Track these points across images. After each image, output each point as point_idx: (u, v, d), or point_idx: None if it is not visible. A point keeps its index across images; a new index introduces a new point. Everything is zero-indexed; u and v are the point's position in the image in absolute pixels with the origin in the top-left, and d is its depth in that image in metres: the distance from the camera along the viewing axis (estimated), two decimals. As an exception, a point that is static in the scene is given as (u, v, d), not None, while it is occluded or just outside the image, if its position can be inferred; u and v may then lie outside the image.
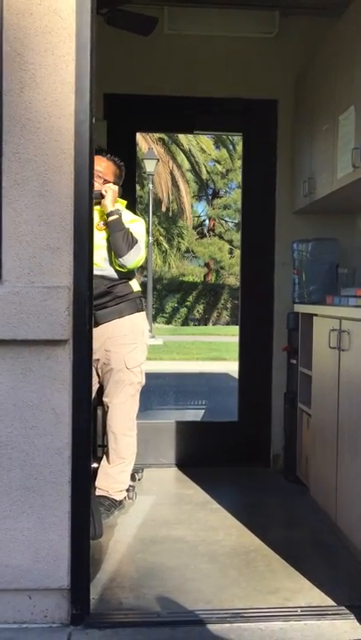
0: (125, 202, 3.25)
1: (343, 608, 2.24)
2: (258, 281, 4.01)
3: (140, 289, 3.22)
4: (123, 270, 3.04)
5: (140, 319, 3.13)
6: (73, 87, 2.06)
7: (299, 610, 2.23)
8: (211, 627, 2.12)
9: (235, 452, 3.97)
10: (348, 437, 2.67)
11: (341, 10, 3.14)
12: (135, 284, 3.17)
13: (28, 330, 2.03)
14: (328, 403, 2.93)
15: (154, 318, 19.77)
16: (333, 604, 2.28)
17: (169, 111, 4.02)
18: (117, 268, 3.03)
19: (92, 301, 2.16)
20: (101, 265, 2.98)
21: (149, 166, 16.12)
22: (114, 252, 3.00)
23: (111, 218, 3.01)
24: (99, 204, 2.98)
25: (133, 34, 3.44)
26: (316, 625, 2.15)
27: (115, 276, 3.05)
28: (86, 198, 2.10)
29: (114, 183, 3.13)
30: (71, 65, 2.06)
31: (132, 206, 3.35)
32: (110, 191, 3.06)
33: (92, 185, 2.13)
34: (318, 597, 2.33)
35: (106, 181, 3.08)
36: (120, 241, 2.98)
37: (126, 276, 3.10)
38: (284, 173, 3.92)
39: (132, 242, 2.99)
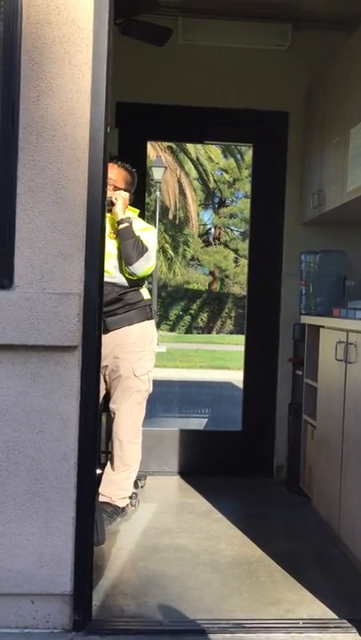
0: (138, 210, 3.27)
1: (345, 621, 2.23)
2: (265, 291, 4.02)
3: (150, 297, 3.23)
4: (133, 278, 3.06)
5: (149, 327, 3.14)
6: (89, 96, 2.08)
7: (301, 622, 2.22)
8: (212, 636, 2.12)
9: (238, 461, 3.97)
10: (353, 450, 2.67)
11: (354, 24, 3.17)
12: (145, 292, 3.18)
13: (38, 335, 2.05)
14: (333, 415, 2.94)
15: (158, 325, 19.75)
16: (335, 616, 2.27)
17: (180, 121, 4.04)
18: (127, 276, 3.05)
19: (101, 308, 2.17)
20: (112, 273, 2.99)
21: (157, 174, 16.19)
22: (124, 259, 3.02)
23: (122, 226, 3.03)
24: (110, 211, 3.00)
25: (148, 44, 3.47)
26: (318, 638, 2.14)
27: (125, 283, 3.07)
28: (99, 206, 2.12)
29: (125, 190, 3.14)
30: (88, 74, 2.08)
31: (140, 214, 3.37)
32: (121, 198, 3.08)
33: (105, 193, 2.15)
34: (320, 610, 2.32)
35: (117, 188, 3.09)
36: (130, 249, 2.99)
37: (137, 283, 3.11)
38: (294, 185, 3.94)
39: (142, 250, 3.00)
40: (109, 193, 2.97)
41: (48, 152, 2.07)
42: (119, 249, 3.04)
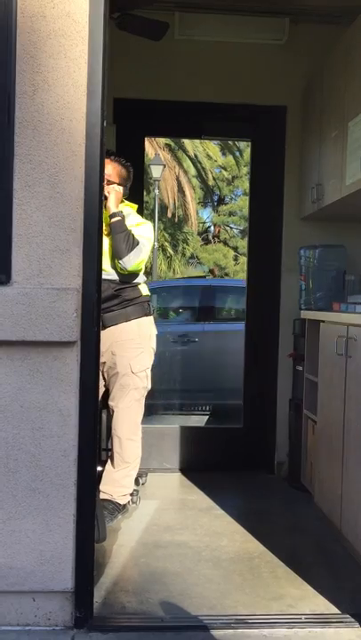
0: (136, 206, 3.25)
1: (348, 616, 2.23)
2: (264, 287, 4.01)
3: (149, 293, 3.22)
4: (124, 273, 3.03)
5: (147, 323, 3.12)
6: (85, 90, 2.07)
7: (303, 617, 2.22)
8: (214, 632, 2.11)
9: (239, 457, 3.96)
10: (353, 444, 2.66)
11: (351, 18, 3.15)
12: (144, 289, 3.16)
13: (36, 331, 2.04)
14: (334, 409, 2.93)
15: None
16: (338, 611, 2.27)
17: (178, 116, 4.03)
18: (119, 270, 3.02)
19: (100, 304, 2.16)
20: (108, 270, 2.98)
21: (156, 172, 16.16)
22: (115, 253, 2.99)
23: (113, 219, 3.01)
24: (104, 206, 2.98)
25: (144, 38, 3.46)
26: (321, 632, 2.13)
27: (123, 279, 3.05)
28: (96, 201, 2.10)
29: (119, 184, 3.12)
30: (83, 68, 2.06)
31: (138, 211, 3.35)
32: (114, 192, 3.06)
33: (102, 188, 2.14)
34: (323, 605, 2.31)
35: (110, 182, 3.05)
36: (120, 242, 2.97)
37: (134, 279, 3.09)
38: (292, 180, 3.92)
39: (132, 244, 2.98)
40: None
41: (44, 146, 2.06)
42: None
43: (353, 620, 2.20)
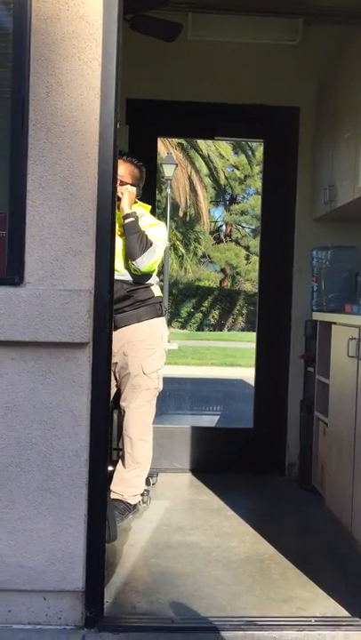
0: (150, 207, 3.26)
1: (358, 619, 2.22)
2: (276, 288, 4.00)
3: (161, 294, 3.22)
4: (137, 274, 3.04)
5: (159, 324, 3.13)
6: (98, 92, 2.08)
7: (313, 620, 2.21)
8: (224, 634, 2.11)
9: (249, 459, 3.96)
10: (365, 447, 2.65)
11: (366, 18, 3.14)
12: (157, 289, 3.17)
13: (48, 332, 2.05)
14: (346, 412, 2.92)
15: (169, 323, 19.77)
16: (348, 614, 2.26)
17: (190, 117, 4.03)
18: (133, 271, 3.03)
19: (112, 305, 2.17)
20: (121, 270, 2.99)
21: (168, 171, 16.16)
22: (128, 254, 3.00)
23: (127, 220, 3.02)
24: (117, 207, 2.99)
25: (157, 39, 3.46)
26: (331, 636, 2.13)
27: (136, 280, 3.05)
28: (109, 202, 2.11)
29: (132, 185, 3.12)
30: (97, 70, 2.07)
31: (151, 211, 3.36)
32: (127, 193, 3.06)
33: (115, 189, 2.14)
34: (333, 608, 2.31)
35: (123, 183, 3.06)
36: (134, 243, 2.97)
37: (147, 280, 3.10)
38: (305, 180, 3.91)
39: (146, 245, 2.98)
40: None
41: (58, 148, 2.07)
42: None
43: (363, 623, 2.19)
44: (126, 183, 3.10)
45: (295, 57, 3.85)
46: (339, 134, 3.43)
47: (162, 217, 16.93)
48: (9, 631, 2.08)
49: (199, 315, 23.12)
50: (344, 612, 2.28)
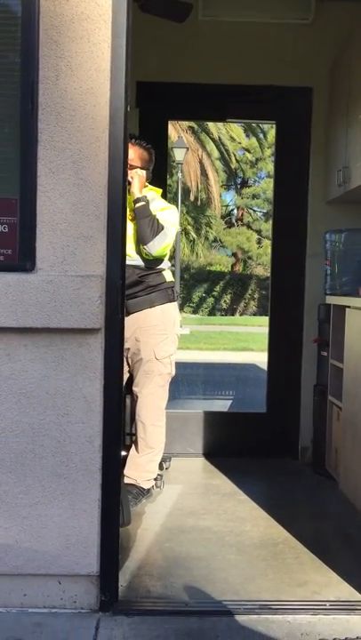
0: (161, 190, 3.23)
1: (373, 603, 2.22)
2: (289, 271, 3.97)
3: (173, 279, 3.20)
4: (149, 258, 3.02)
5: (171, 309, 3.12)
6: (108, 75, 2.05)
7: (328, 604, 2.21)
8: (238, 617, 2.12)
9: (263, 443, 3.96)
10: (379, 431, 2.63)
11: (381, -5, 3.07)
12: (169, 275, 3.15)
13: (61, 318, 2.04)
14: (360, 396, 2.90)
15: (181, 307, 19.77)
16: (363, 598, 2.26)
17: (201, 99, 3.98)
18: (144, 256, 3.01)
19: (124, 290, 2.16)
20: (133, 255, 2.97)
21: (179, 155, 16.06)
22: (139, 238, 2.98)
23: (138, 204, 2.99)
24: (128, 191, 2.96)
25: (167, 20, 3.41)
26: (346, 620, 2.13)
27: (147, 265, 3.04)
28: (120, 187, 2.09)
29: (142, 168, 3.09)
30: (107, 52, 2.04)
31: (162, 195, 3.33)
32: (137, 177, 3.04)
33: (125, 173, 2.12)
34: (347, 592, 2.31)
35: (132, 167, 3.02)
36: (145, 227, 2.95)
37: (157, 265, 3.08)
38: (318, 162, 3.86)
39: (157, 229, 2.96)
40: None
41: (68, 132, 2.04)
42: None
43: (378, 607, 2.19)
44: (136, 167, 3.06)
45: (308, 36, 3.78)
46: (353, 115, 3.37)
47: (173, 201, 16.83)
48: (24, 615, 2.11)
49: (211, 299, 23.08)
50: (359, 596, 2.27)
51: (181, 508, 3.09)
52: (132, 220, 2.98)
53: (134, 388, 3.11)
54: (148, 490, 3.12)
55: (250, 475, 3.64)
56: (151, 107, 3.83)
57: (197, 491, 3.39)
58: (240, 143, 22.59)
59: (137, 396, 3.10)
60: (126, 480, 3.02)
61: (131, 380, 3.14)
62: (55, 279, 2.04)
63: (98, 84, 2.05)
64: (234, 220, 25.89)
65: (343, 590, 2.32)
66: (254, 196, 24.70)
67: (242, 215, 25.62)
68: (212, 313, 22.68)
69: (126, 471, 3.04)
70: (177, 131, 17.78)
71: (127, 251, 2.39)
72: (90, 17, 2.03)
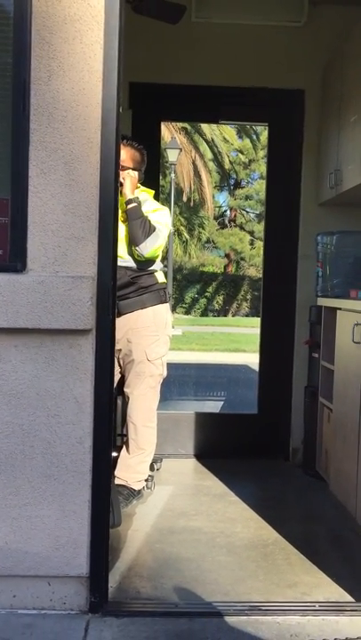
0: (153, 192, 3.23)
1: (362, 604, 2.23)
2: (280, 273, 3.98)
3: (165, 280, 3.20)
4: (141, 260, 3.02)
5: (163, 310, 3.12)
6: (100, 76, 2.05)
7: (317, 605, 2.22)
8: (228, 619, 2.12)
9: (254, 444, 3.97)
10: (369, 433, 2.64)
11: (373, -2, 3.08)
12: (160, 276, 3.15)
13: (51, 319, 2.04)
14: (350, 397, 2.91)
15: (173, 308, 19.77)
16: (352, 600, 2.27)
17: (194, 100, 3.98)
18: (136, 257, 3.01)
19: (115, 291, 2.16)
20: (125, 257, 2.97)
21: (172, 156, 16.07)
22: (131, 240, 2.98)
23: (130, 206, 2.99)
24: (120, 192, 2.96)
25: (161, 22, 3.41)
26: (335, 621, 2.13)
27: (139, 266, 3.04)
28: (112, 188, 2.09)
29: (133, 169, 3.09)
30: (99, 53, 2.04)
31: (155, 196, 3.33)
32: (129, 178, 3.04)
33: (117, 174, 2.12)
34: (337, 593, 2.32)
35: (124, 168, 3.02)
36: (136, 229, 2.95)
37: (151, 266, 3.08)
38: (310, 164, 3.87)
39: (149, 230, 2.96)
40: None
41: (60, 133, 2.04)
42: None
43: (367, 608, 2.20)
44: (128, 168, 3.06)
45: (300, 39, 3.80)
46: (345, 117, 3.38)
47: (166, 202, 16.85)
48: (14, 616, 2.10)
49: (203, 300, 23.09)
50: (348, 598, 2.28)
51: (172, 509, 3.10)
52: (123, 222, 2.98)
53: (126, 390, 3.11)
54: (139, 491, 3.12)
55: (241, 476, 3.64)
56: (144, 108, 3.83)
57: (188, 492, 3.40)
58: (233, 144, 22.62)
59: (128, 398, 3.10)
60: (117, 481, 3.02)
61: (122, 381, 3.14)
62: (46, 280, 2.04)
63: (90, 85, 2.05)
64: (227, 222, 25.92)
65: (333, 591, 2.33)
66: (247, 198, 24.74)
67: (235, 216, 25.65)
68: (204, 314, 22.69)
69: (117, 472, 3.04)
70: (170, 131, 17.79)
71: (119, 252, 2.39)
72: (82, 18, 2.03)
